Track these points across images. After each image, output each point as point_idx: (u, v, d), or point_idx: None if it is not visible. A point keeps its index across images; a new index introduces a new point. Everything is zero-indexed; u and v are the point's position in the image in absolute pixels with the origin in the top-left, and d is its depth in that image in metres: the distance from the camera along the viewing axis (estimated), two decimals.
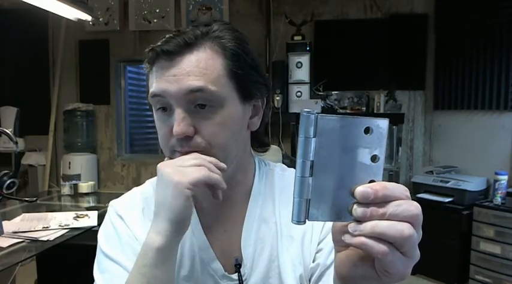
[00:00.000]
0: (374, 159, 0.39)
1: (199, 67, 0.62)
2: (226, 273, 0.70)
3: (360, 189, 0.38)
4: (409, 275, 0.42)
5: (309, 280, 0.70)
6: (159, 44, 0.64)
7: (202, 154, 0.63)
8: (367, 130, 0.38)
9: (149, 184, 0.79)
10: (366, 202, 0.38)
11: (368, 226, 0.38)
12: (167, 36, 0.65)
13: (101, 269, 0.69)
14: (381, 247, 0.38)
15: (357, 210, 0.39)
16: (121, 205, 0.75)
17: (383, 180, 0.40)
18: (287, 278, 0.69)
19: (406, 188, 0.40)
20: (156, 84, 0.64)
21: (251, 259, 0.70)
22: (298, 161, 0.39)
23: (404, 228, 0.38)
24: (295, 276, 0.70)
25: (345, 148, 0.39)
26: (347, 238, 0.39)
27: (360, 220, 0.39)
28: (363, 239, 0.38)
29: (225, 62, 0.64)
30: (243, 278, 0.69)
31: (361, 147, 0.39)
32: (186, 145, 0.63)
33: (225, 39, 0.65)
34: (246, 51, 0.67)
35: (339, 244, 0.44)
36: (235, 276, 0.70)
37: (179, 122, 0.62)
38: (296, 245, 0.71)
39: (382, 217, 0.38)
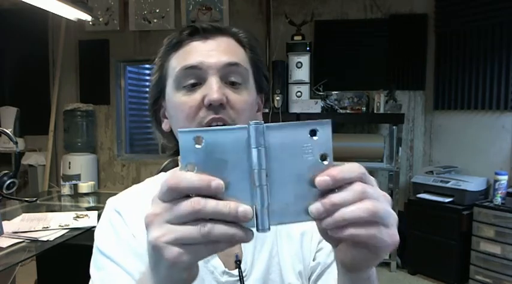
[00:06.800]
0: (324, 158, 0.40)
1: (230, 49, 0.69)
2: (226, 269, 0.69)
3: (319, 179, 0.39)
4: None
5: (309, 279, 0.71)
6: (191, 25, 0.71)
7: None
8: (313, 133, 0.40)
9: (149, 182, 0.79)
10: (328, 189, 0.39)
11: (337, 216, 0.38)
12: (193, 24, 0.72)
13: (97, 266, 0.69)
14: (369, 230, 0.39)
15: (311, 209, 0.39)
16: (119, 202, 0.74)
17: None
18: (288, 275, 0.70)
19: (359, 165, 0.41)
20: (190, 57, 0.67)
21: (251, 256, 0.70)
22: (254, 171, 0.39)
23: (367, 205, 0.39)
24: (295, 273, 0.70)
25: (295, 153, 0.40)
26: (336, 233, 0.39)
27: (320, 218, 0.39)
28: (351, 230, 0.38)
29: (245, 52, 0.72)
30: (244, 275, 0.69)
31: (309, 149, 0.40)
32: (220, 112, 0.65)
33: (242, 34, 0.73)
34: (258, 47, 0.75)
35: (332, 240, 0.44)
36: (235, 272, 0.69)
37: (217, 89, 0.64)
38: (295, 243, 0.72)
39: (343, 205, 0.39)
